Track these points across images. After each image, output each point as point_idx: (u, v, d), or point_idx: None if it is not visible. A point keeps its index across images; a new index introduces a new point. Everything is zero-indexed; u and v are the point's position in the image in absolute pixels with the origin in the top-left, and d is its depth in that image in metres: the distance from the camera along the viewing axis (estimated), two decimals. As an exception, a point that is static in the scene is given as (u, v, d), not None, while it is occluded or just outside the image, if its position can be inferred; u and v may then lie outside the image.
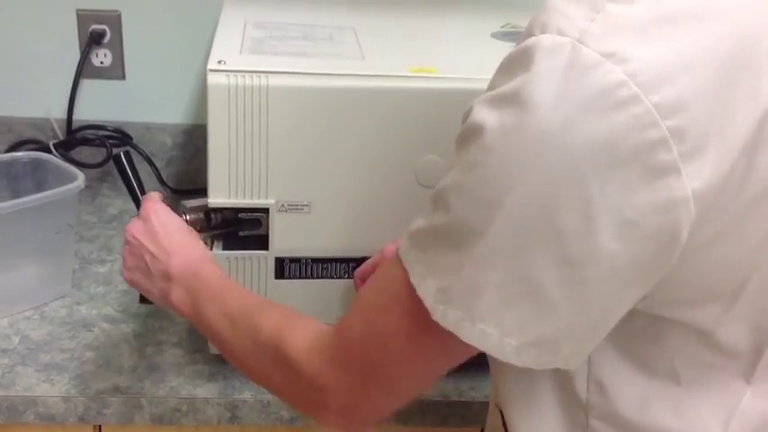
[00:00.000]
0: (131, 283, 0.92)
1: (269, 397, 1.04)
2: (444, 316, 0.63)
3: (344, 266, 1.03)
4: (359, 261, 1.02)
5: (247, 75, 0.94)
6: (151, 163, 1.48)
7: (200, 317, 0.84)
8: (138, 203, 0.98)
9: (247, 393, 1.05)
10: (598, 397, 0.70)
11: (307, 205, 0.99)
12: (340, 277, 1.04)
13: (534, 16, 0.61)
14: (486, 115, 0.60)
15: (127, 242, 0.91)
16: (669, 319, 0.66)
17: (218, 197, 0.98)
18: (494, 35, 1.23)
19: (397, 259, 0.67)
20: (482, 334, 0.62)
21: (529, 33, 0.60)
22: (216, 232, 1.00)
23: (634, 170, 0.56)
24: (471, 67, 1.08)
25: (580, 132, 0.56)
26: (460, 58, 1.13)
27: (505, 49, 1.17)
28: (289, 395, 0.77)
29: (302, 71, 0.99)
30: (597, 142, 0.56)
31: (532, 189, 0.57)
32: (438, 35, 1.25)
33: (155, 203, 0.92)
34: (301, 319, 0.77)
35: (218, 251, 1.00)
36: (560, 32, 0.57)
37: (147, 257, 0.88)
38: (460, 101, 1.01)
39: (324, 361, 0.71)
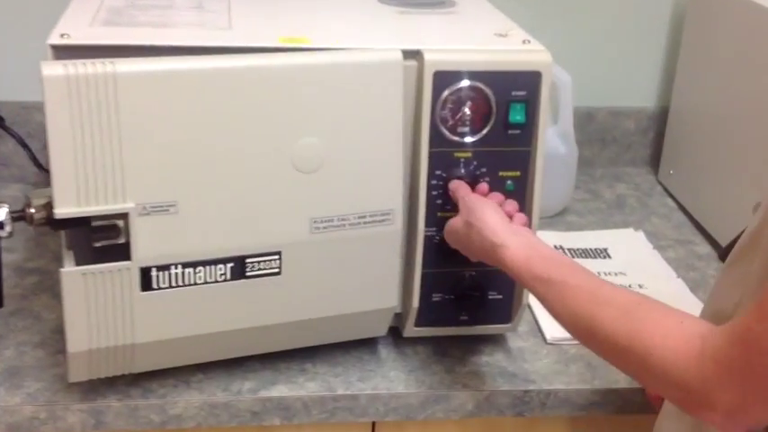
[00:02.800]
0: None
1: (137, 401, 0.96)
2: None
3: (222, 268, 0.93)
4: (238, 260, 0.93)
5: (89, 63, 0.82)
6: (25, 146, 1.37)
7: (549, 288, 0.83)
8: None
9: (112, 397, 0.96)
10: None
11: (173, 205, 0.89)
12: (217, 281, 0.93)
13: None
14: None
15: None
16: None
17: (66, 206, 0.84)
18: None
19: None
20: None
21: None
22: (67, 229, 0.89)
23: None
24: (349, 36, 1.00)
25: None
26: (339, 26, 1.05)
27: (393, 15, 1.11)
28: (663, 390, 0.76)
29: (153, 44, 0.90)
30: None
31: None
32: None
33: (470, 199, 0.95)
34: (669, 315, 0.74)
35: (70, 267, 0.88)
36: None
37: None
38: (334, 75, 0.94)
39: (719, 370, 0.68)
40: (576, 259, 1.31)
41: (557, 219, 1.43)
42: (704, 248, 1.36)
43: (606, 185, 1.56)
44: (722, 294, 0.85)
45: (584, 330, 0.79)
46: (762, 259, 0.76)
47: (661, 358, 0.71)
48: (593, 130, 1.59)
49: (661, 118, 1.58)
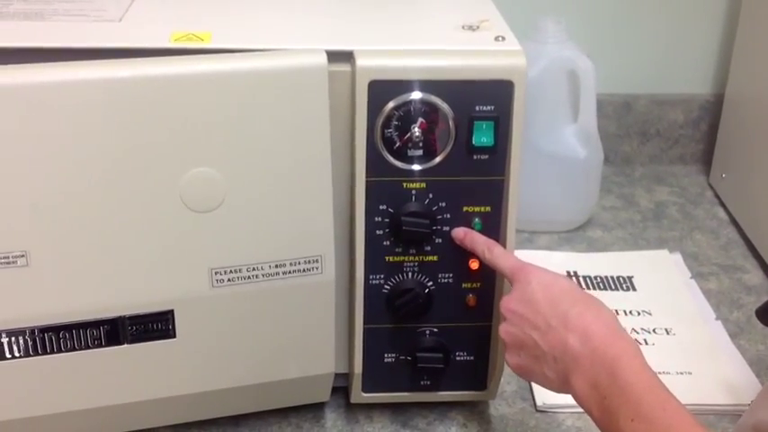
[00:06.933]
0: (518, 369, 0.74)
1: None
2: None
3: (95, 332, 0.73)
4: (115, 321, 0.73)
5: None
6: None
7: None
8: None
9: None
10: None
11: (22, 256, 0.69)
12: (90, 347, 0.73)
13: None
14: None
15: (504, 319, 0.75)
16: None
17: None
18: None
19: None
20: None
21: None
22: None
23: None
24: (260, 30, 0.78)
25: None
26: (250, 16, 0.82)
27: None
28: None
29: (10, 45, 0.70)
30: None
31: None
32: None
33: (529, 266, 0.74)
34: None
35: None
36: None
37: (535, 334, 0.71)
38: (235, 87, 0.68)
39: None
40: (594, 291, 1.07)
41: (577, 234, 1.19)
42: (756, 277, 1.11)
43: (645, 189, 1.30)
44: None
45: None
46: None
47: None
48: (631, 121, 1.33)
49: (715, 107, 1.32)
